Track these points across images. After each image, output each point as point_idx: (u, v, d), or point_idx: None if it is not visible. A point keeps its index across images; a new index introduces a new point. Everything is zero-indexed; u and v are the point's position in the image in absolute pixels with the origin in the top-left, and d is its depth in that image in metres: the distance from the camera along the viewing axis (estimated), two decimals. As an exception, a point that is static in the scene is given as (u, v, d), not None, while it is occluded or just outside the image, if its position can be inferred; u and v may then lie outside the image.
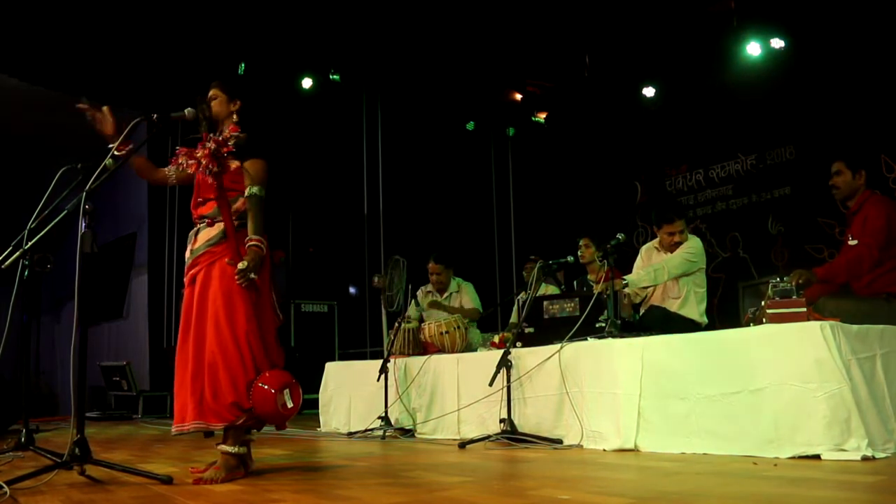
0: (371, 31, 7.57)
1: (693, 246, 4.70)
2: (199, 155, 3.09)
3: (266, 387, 2.99)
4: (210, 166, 3.05)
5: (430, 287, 6.34)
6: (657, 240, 4.92)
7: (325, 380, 6.02)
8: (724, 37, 7.16)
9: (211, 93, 3.30)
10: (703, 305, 4.71)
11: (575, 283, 6.15)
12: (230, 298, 3.05)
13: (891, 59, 6.17)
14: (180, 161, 3.18)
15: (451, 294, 6.25)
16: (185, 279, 3.22)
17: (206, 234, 3.16)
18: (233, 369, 2.99)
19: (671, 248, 4.78)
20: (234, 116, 3.30)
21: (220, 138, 3.12)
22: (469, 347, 5.42)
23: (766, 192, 7.39)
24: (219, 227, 3.13)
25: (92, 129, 3.35)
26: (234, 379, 2.99)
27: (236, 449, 3.02)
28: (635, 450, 3.55)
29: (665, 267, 4.57)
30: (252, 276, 3.00)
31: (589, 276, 5.81)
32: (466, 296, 6.22)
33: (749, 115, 7.53)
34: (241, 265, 2.98)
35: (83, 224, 2.88)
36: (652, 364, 3.60)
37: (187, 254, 3.23)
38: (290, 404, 3.02)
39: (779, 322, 3.27)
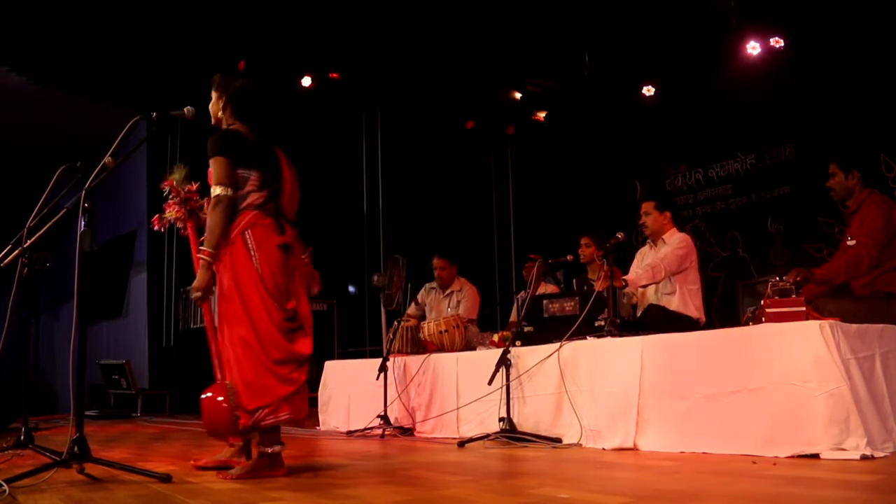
0: (370, 30, 7.57)
1: (680, 239, 4.76)
2: (169, 216, 3.47)
3: (210, 394, 3.05)
4: (182, 223, 3.43)
5: (433, 284, 6.35)
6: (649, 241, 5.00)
7: (324, 378, 6.03)
8: (724, 36, 7.15)
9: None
10: (699, 301, 4.74)
11: (574, 281, 6.15)
12: (220, 304, 3.06)
13: (890, 58, 6.16)
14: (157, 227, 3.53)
15: (451, 293, 6.24)
16: None
17: None
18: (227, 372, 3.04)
19: (644, 231, 4.96)
20: (227, 117, 3.26)
21: (185, 194, 3.43)
22: (468, 346, 5.42)
23: (765, 191, 7.39)
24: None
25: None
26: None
27: (270, 449, 3.02)
28: (634, 449, 3.55)
29: (661, 264, 4.59)
30: (197, 294, 3.02)
31: (589, 275, 5.81)
32: (465, 302, 6.15)
33: (749, 115, 7.53)
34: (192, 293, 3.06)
35: (82, 222, 2.88)
36: (651, 363, 3.60)
37: None
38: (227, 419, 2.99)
39: (778, 321, 3.27)
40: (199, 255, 3.03)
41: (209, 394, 3.05)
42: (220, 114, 3.26)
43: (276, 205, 3.13)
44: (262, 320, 2.98)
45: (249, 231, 3.02)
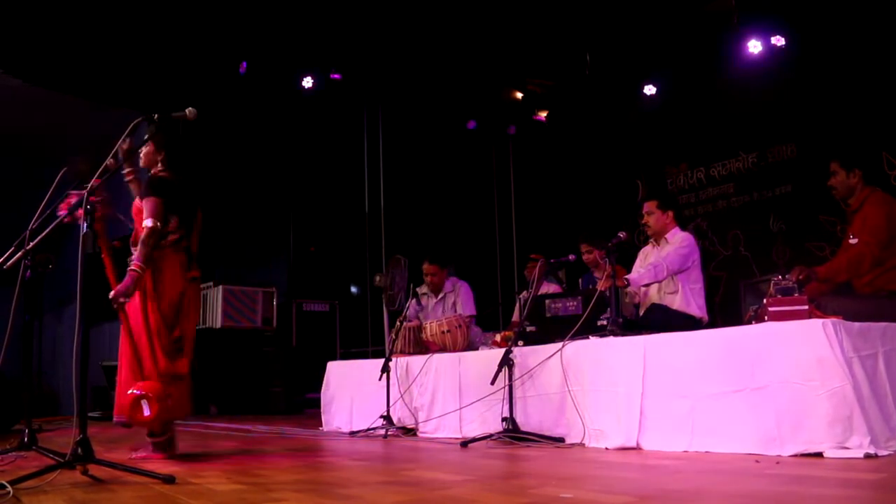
0: (372, 31, 7.57)
1: (683, 238, 4.75)
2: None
3: (134, 392, 3.55)
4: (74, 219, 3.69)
5: (424, 289, 6.30)
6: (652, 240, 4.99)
7: (326, 379, 6.02)
8: (725, 35, 7.15)
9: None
10: (701, 300, 4.73)
11: (580, 281, 6.15)
12: (135, 316, 3.70)
13: (891, 57, 6.15)
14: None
15: (445, 295, 6.21)
16: None
17: None
18: (134, 375, 3.69)
19: (647, 231, 4.94)
20: (160, 165, 3.85)
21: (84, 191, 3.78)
22: (471, 346, 5.42)
23: (767, 189, 7.38)
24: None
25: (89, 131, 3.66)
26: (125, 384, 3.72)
27: (159, 438, 3.75)
28: (637, 448, 3.55)
29: (663, 263, 4.58)
30: (121, 300, 3.51)
31: (595, 274, 5.81)
32: (461, 300, 6.13)
33: (750, 113, 7.52)
34: (111, 294, 3.50)
35: (84, 224, 2.88)
36: (654, 362, 3.60)
37: None
38: (145, 413, 3.51)
39: (780, 320, 3.27)
40: (131, 268, 3.56)
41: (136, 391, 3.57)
42: (156, 165, 3.86)
43: (188, 243, 3.83)
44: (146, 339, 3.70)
45: (158, 268, 3.70)
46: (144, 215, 3.66)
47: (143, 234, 3.61)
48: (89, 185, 2.97)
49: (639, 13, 7.16)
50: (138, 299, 3.67)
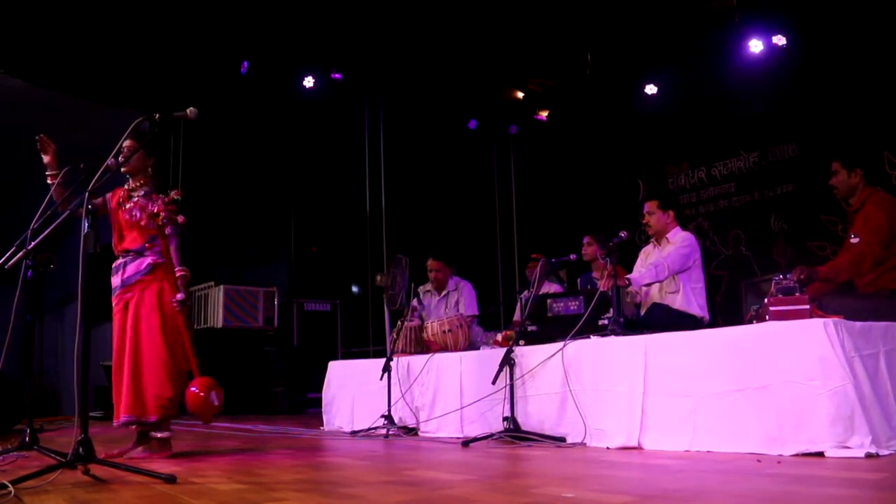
0: (373, 30, 7.57)
1: (684, 238, 4.75)
2: (155, 210, 3.86)
3: (195, 390, 3.75)
4: (164, 220, 3.88)
5: (428, 286, 6.31)
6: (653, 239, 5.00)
7: (328, 379, 6.03)
8: (726, 34, 7.14)
9: (127, 143, 3.67)
10: (702, 300, 4.73)
11: (578, 280, 6.15)
12: (164, 316, 3.83)
13: (893, 56, 6.15)
14: (134, 212, 3.87)
15: (447, 293, 6.21)
16: (116, 303, 3.90)
17: (134, 266, 3.88)
18: (167, 373, 3.79)
19: (648, 230, 4.93)
20: (150, 170, 4.01)
21: (168, 199, 3.91)
22: (472, 346, 5.42)
23: (768, 189, 7.38)
24: (144, 260, 3.87)
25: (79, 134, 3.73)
26: (168, 380, 3.80)
27: (167, 434, 3.87)
28: (639, 447, 3.55)
29: (665, 263, 4.58)
30: (189, 303, 3.87)
31: (594, 274, 5.81)
32: (464, 300, 6.13)
33: (751, 113, 7.52)
34: (181, 297, 3.83)
35: (86, 224, 2.89)
36: (655, 362, 3.60)
37: (117, 282, 3.90)
38: (216, 402, 3.78)
39: (781, 319, 3.27)
40: (182, 273, 3.88)
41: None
42: (145, 169, 3.99)
43: None
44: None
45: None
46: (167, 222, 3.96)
47: (177, 240, 3.94)
48: (90, 186, 2.97)
49: (639, 12, 7.16)
50: (168, 299, 3.88)
